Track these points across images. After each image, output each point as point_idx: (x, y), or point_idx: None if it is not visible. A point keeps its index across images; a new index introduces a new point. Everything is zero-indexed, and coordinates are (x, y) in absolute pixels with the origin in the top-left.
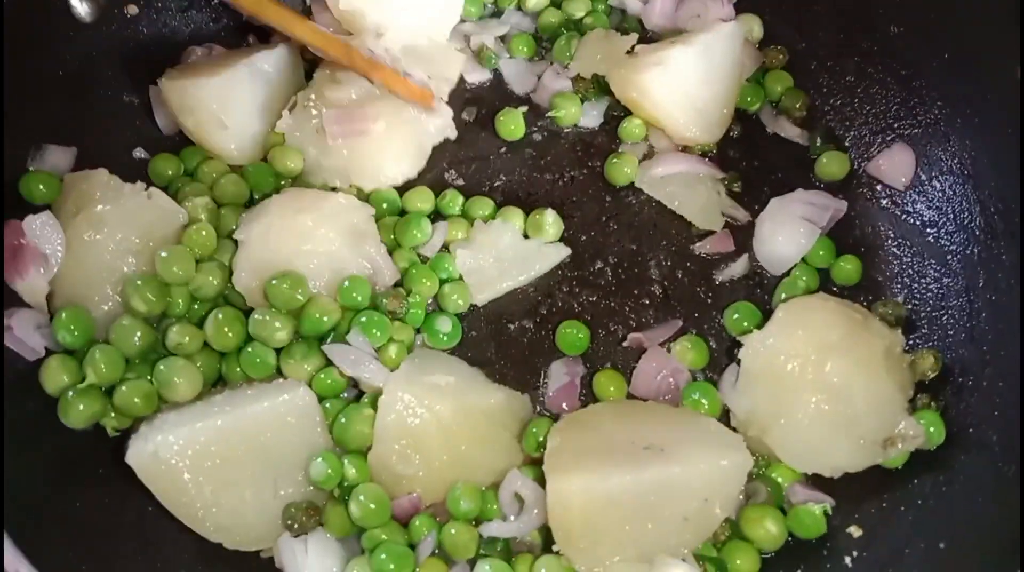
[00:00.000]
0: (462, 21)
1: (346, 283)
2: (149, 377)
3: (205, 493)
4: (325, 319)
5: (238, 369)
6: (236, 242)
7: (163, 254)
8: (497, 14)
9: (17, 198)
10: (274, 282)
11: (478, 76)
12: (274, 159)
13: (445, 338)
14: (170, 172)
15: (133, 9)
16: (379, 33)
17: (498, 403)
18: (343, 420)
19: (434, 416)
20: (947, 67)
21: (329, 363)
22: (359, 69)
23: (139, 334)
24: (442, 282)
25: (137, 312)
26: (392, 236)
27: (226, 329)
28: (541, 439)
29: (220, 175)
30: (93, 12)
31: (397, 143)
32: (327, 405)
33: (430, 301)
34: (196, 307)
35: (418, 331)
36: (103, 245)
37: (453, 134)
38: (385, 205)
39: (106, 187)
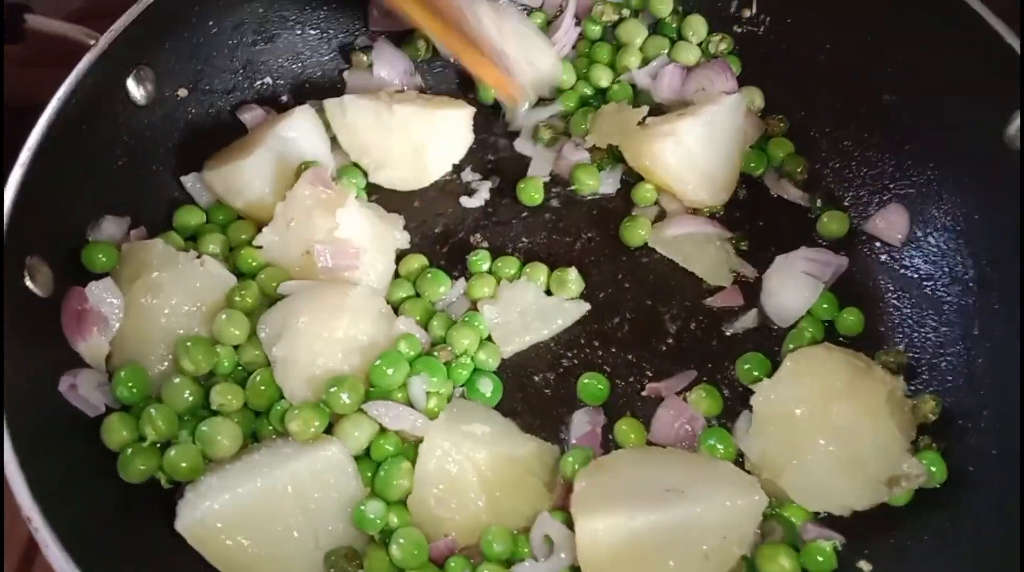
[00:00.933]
0: None
1: (387, 355)
2: (193, 435)
3: (251, 551)
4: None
5: (270, 427)
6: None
7: (223, 317)
8: None
9: (80, 269)
10: (333, 390)
11: (526, 149)
12: None
13: (489, 396)
14: (215, 248)
15: (183, 92)
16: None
17: (530, 452)
18: (382, 474)
19: (472, 463)
20: (938, 131)
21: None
22: (456, 45)
23: (188, 392)
24: None
25: (186, 371)
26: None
27: (263, 388)
28: (576, 467)
29: None
30: (148, 96)
31: (373, 255)
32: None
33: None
34: (240, 368)
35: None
36: (159, 309)
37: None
38: (403, 294)
39: (162, 255)
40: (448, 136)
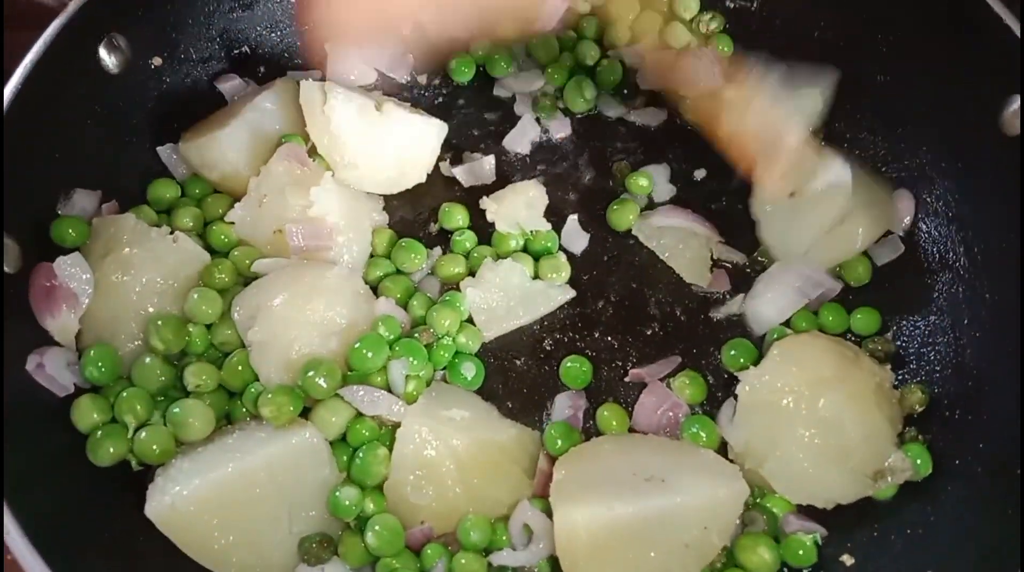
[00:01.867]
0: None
1: (367, 338)
2: (164, 416)
3: (223, 537)
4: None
5: (243, 409)
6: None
7: (195, 295)
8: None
9: (48, 244)
10: (309, 375)
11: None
12: None
13: (470, 380)
14: (190, 223)
15: (157, 61)
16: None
17: (510, 438)
18: (359, 459)
19: (449, 449)
20: (932, 114)
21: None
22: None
23: (160, 372)
24: None
25: (157, 350)
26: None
27: (239, 368)
28: (560, 443)
29: None
30: (120, 64)
31: (348, 236)
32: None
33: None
34: (213, 348)
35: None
36: (130, 286)
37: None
38: (380, 272)
39: (134, 231)
40: (427, 145)
